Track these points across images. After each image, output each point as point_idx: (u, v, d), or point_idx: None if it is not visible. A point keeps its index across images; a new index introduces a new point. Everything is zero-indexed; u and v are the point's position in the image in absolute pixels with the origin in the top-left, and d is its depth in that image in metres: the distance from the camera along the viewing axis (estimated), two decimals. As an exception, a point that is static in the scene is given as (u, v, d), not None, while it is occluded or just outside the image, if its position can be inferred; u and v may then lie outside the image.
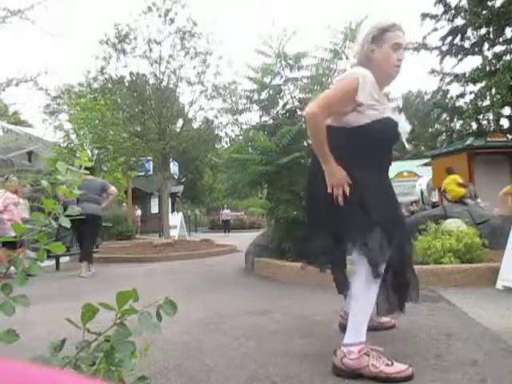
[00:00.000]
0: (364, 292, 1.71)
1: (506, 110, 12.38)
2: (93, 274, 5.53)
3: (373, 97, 1.74)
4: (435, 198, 11.85)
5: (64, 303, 3.44)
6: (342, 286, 2.07)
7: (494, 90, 11.69)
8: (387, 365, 1.63)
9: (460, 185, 6.94)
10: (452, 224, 4.51)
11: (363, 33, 1.89)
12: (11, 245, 4.28)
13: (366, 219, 1.70)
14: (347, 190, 1.71)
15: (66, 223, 0.92)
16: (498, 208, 5.16)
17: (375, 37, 1.82)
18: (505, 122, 13.15)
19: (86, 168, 4.74)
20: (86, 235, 5.66)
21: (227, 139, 9.33)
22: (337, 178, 1.71)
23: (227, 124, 9.07)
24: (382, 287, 1.85)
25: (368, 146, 1.77)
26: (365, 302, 1.72)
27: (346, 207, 1.71)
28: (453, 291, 3.24)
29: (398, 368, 1.63)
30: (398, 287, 1.90)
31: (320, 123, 1.69)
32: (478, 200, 6.91)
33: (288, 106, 5.14)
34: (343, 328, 2.07)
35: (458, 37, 13.44)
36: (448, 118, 16.89)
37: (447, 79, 13.99)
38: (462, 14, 12.98)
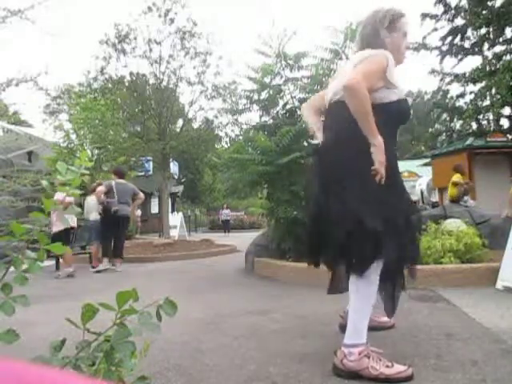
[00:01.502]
0: (363, 292, 1.70)
1: (506, 110, 12.37)
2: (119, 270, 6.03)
3: (395, 77, 1.75)
4: (435, 198, 11.83)
5: (64, 303, 3.44)
6: (338, 285, 2.06)
7: (493, 90, 11.68)
8: (387, 366, 1.63)
9: (454, 184, 6.91)
10: (452, 224, 4.51)
11: (374, 17, 1.85)
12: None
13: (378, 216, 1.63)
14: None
15: (66, 223, 0.92)
16: (507, 210, 5.04)
17: (391, 21, 1.82)
18: (505, 122, 13.15)
19: (119, 173, 4.98)
20: (119, 234, 6.31)
21: (227, 139, 9.33)
22: (384, 154, 1.59)
23: (227, 124, 9.06)
24: (387, 287, 1.85)
25: (391, 124, 1.76)
26: (364, 302, 1.71)
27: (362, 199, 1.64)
28: (453, 291, 3.24)
29: (397, 369, 1.62)
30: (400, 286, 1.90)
31: (365, 92, 1.56)
32: (465, 198, 6.83)
33: (288, 106, 5.14)
34: (343, 328, 2.07)
35: (458, 37, 13.43)
36: (448, 118, 16.91)
37: (447, 79, 13.99)
38: (462, 13, 12.97)
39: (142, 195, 6.48)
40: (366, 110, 1.56)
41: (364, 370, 1.63)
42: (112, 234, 6.26)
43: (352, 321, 1.71)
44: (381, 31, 1.82)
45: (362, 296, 1.71)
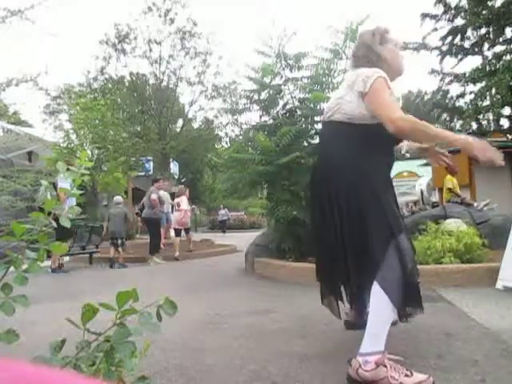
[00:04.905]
0: (384, 301, 1.58)
1: (506, 110, 12.36)
2: (157, 263, 6.81)
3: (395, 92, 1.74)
4: (435, 197, 11.82)
5: (64, 303, 3.44)
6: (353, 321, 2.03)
7: (494, 90, 11.67)
8: (406, 376, 1.52)
9: (448, 189, 6.94)
10: (452, 224, 4.51)
11: (363, 37, 1.89)
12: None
13: (385, 231, 1.61)
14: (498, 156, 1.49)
15: (66, 223, 0.92)
16: None
17: (381, 36, 1.84)
18: (505, 122, 13.14)
19: (152, 183, 5.87)
20: (149, 234, 7.36)
21: (227, 139, 9.35)
22: (476, 142, 1.51)
23: (227, 124, 9.09)
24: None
25: (381, 142, 1.73)
26: (384, 310, 1.59)
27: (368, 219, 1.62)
28: (453, 291, 3.24)
29: (418, 378, 1.52)
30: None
31: (408, 122, 1.57)
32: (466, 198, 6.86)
33: (288, 106, 5.14)
34: (348, 325, 2.09)
35: (458, 37, 13.42)
36: (448, 118, 16.89)
37: (447, 79, 13.98)
38: (462, 13, 12.96)
39: (151, 197, 7.16)
40: (428, 131, 1.58)
41: (382, 380, 1.51)
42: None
43: (370, 329, 1.57)
44: (374, 47, 1.83)
45: (382, 305, 1.58)
